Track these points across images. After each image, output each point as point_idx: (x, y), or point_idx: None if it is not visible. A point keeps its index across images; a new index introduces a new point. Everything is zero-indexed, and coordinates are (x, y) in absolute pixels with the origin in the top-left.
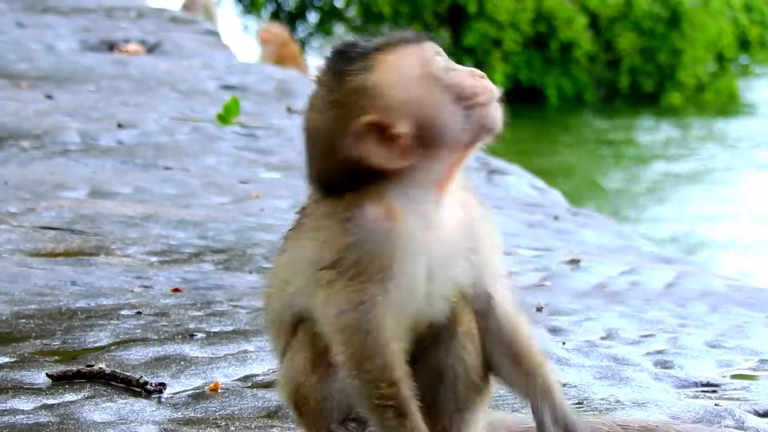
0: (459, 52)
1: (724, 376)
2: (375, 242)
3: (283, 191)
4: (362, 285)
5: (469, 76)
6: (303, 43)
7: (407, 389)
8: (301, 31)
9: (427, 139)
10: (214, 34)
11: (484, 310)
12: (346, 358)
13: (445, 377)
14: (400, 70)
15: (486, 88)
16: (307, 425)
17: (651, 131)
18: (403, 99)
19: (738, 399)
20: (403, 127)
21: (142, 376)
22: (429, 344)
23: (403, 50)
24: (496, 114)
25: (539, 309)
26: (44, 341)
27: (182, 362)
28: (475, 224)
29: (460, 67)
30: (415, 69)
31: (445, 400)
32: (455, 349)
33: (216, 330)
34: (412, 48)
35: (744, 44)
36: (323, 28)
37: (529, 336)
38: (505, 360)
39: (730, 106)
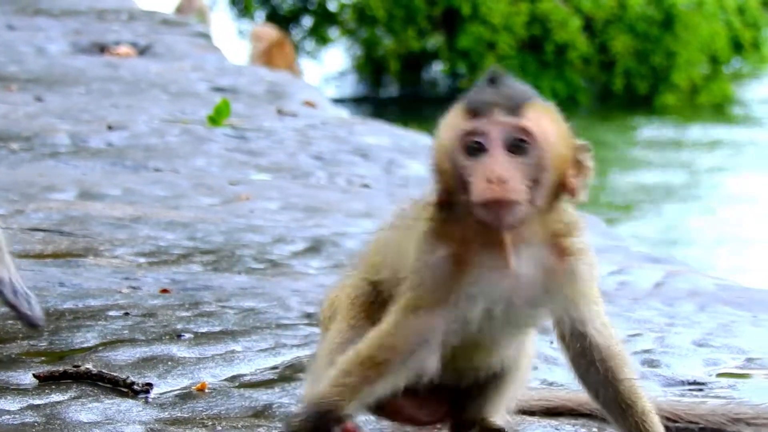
0: (453, 56)
1: (710, 375)
2: (436, 280)
3: (273, 193)
4: (415, 308)
5: None
6: (297, 47)
7: (381, 380)
8: (295, 35)
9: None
10: (206, 36)
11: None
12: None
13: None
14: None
15: None
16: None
17: (645, 134)
18: None
19: (725, 398)
20: None
21: (128, 377)
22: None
23: None
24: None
25: None
26: (31, 342)
27: (169, 362)
28: (558, 278)
29: None
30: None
31: (487, 392)
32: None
33: (204, 330)
34: None
35: (737, 47)
36: (317, 32)
37: (628, 381)
38: (602, 397)
39: (723, 109)
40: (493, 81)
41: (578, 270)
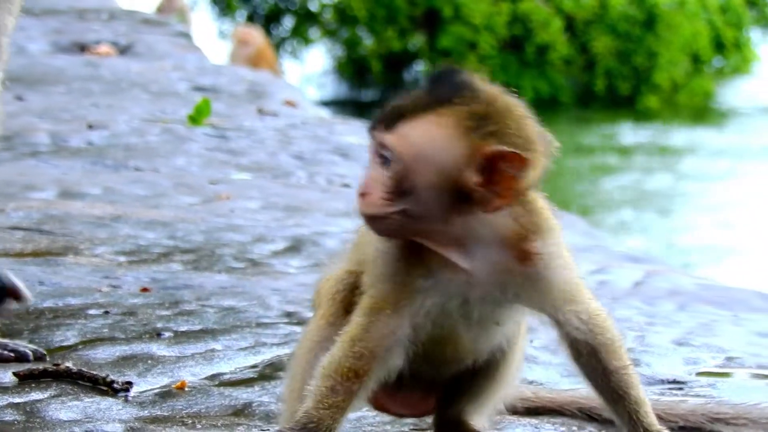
0: (434, 56)
1: (690, 374)
2: (391, 274)
3: (253, 192)
4: (379, 309)
5: None
6: (278, 46)
7: (363, 389)
8: (276, 34)
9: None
10: (186, 36)
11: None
12: (344, 337)
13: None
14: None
15: None
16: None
17: (626, 136)
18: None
19: (704, 396)
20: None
21: (108, 375)
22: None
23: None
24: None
25: None
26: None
27: (149, 361)
28: (517, 280)
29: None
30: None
31: (471, 390)
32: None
33: (184, 329)
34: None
35: (719, 46)
36: (298, 32)
37: (619, 371)
38: (594, 384)
39: (704, 109)
40: (431, 83)
41: (542, 275)
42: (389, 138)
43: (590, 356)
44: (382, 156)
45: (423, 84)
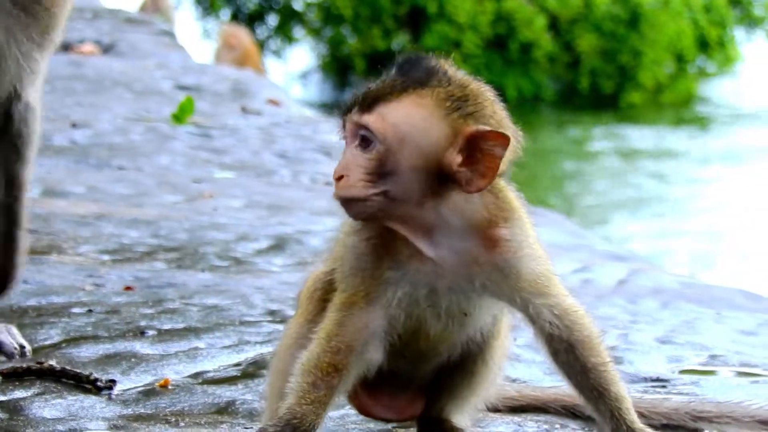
0: None
1: (674, 372)
2: (359, 265)
3: (236, 191)
4: (351, 303)
5: None
6: (262, 45)
7: (343, 383)
8: (260, 33)
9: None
10: (170, 34)
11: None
12: (320, 333)
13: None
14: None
15: None
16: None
17: (608, 136)
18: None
19: (687, 394)
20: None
21: (92, 373)
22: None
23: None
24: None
25: None
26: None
27: (133, 359)
28: (485, 269)
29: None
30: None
31: (452, 389)
32: (482, 357)
33: (167, 327)
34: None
35: (703, 45)
36: (282, 31)
37: (598, 368)
38: (573, 382)
39: (688, 109)
40: (401, 67)
41: (509, 264)
42: (369, 119)
43: (567, 353)
44: (362, 138)
45: (392, 69)
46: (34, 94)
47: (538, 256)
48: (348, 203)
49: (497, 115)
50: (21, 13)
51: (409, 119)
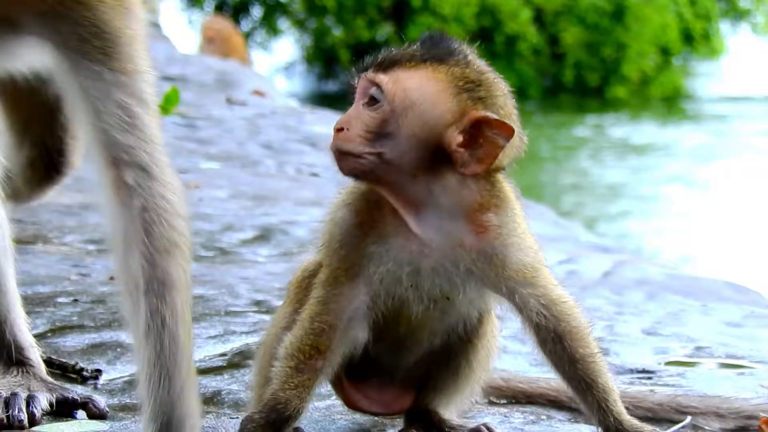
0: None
1: (659, 363)
2: (342, 240)
3: (222, 181)
4: (335, 280)
5: None
6: (247, 37)
7: (327, 365)
8: (245, 24)
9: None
10: (155, 25)
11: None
12: (303, 316)
13: (451, 363)
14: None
15: None
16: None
17: (592, 128)
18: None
19: (673, 386)
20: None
21: (78, 363)
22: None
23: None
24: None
25: None
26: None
27: (118, 349)
28: (470, 253)
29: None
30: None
31: (439, 384)
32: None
33: None
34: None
35: (688, 38)
36: (267, 22)
37: (585, 359)
38: (561, 373)
39: (673, 101)
40: (424, 42)
41: (495, 250)
42: (383, 79)
43: (555, 343)
44: (371, 96)
45: (418, 41)
46: None
47: (526, 246)
48: (342, 156)
49: (507, 107)
50: None
51: (421, 88)
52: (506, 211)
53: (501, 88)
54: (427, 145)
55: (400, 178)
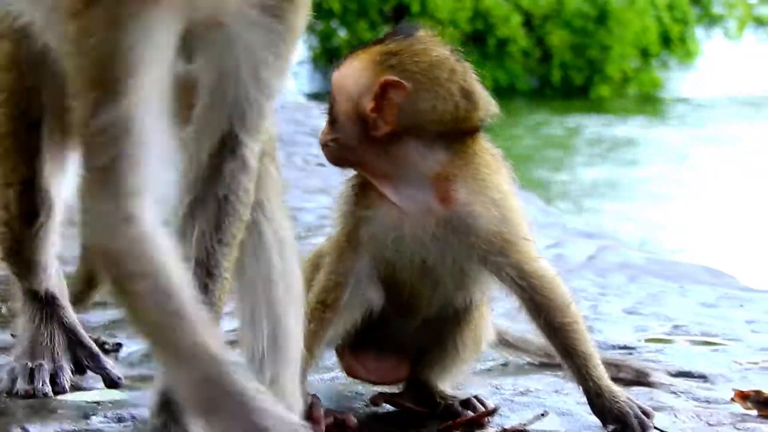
0: None
1: (639, 340)
2: (342, 208)
3: None
4: (340, 247)
5: None
6: None
7: (334, 317)
8: None
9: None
10: None
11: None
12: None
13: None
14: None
15: None
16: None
17: (578, 125)
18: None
19: (653, 361)
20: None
21: (100, 337)
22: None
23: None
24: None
25: None
26: (7, 305)
27: None
28: (441, 223)
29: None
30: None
31: (434, 359)
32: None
33: None
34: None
35: (666, 41)
36: None
37: (565, 327)
38: (546, 339)
39: (652, 100)
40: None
41: (461, 219)
42: (334, 74)
43: (533, 313)
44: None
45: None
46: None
47: (494, 216)
48: (322, 148)
49: (432, 74)
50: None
51: (348, 70)
52: (472, 182)
53: (432, 56)
54: (356, 119)
55: (364, 156)
